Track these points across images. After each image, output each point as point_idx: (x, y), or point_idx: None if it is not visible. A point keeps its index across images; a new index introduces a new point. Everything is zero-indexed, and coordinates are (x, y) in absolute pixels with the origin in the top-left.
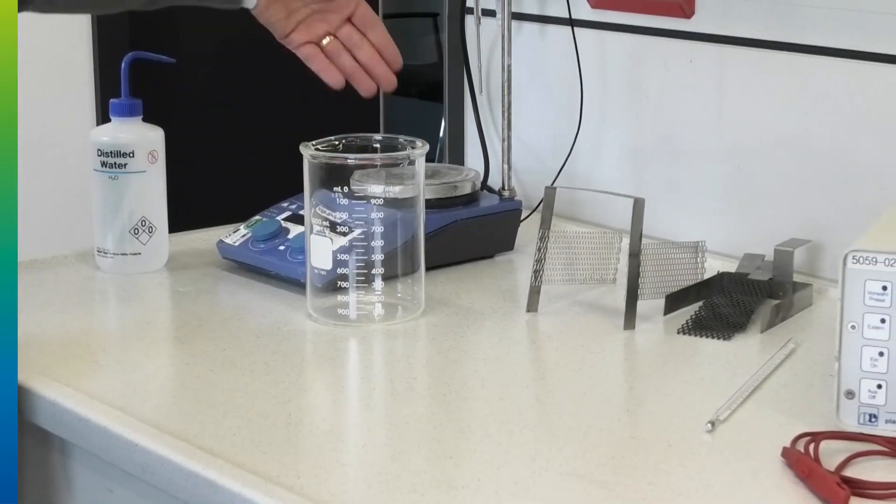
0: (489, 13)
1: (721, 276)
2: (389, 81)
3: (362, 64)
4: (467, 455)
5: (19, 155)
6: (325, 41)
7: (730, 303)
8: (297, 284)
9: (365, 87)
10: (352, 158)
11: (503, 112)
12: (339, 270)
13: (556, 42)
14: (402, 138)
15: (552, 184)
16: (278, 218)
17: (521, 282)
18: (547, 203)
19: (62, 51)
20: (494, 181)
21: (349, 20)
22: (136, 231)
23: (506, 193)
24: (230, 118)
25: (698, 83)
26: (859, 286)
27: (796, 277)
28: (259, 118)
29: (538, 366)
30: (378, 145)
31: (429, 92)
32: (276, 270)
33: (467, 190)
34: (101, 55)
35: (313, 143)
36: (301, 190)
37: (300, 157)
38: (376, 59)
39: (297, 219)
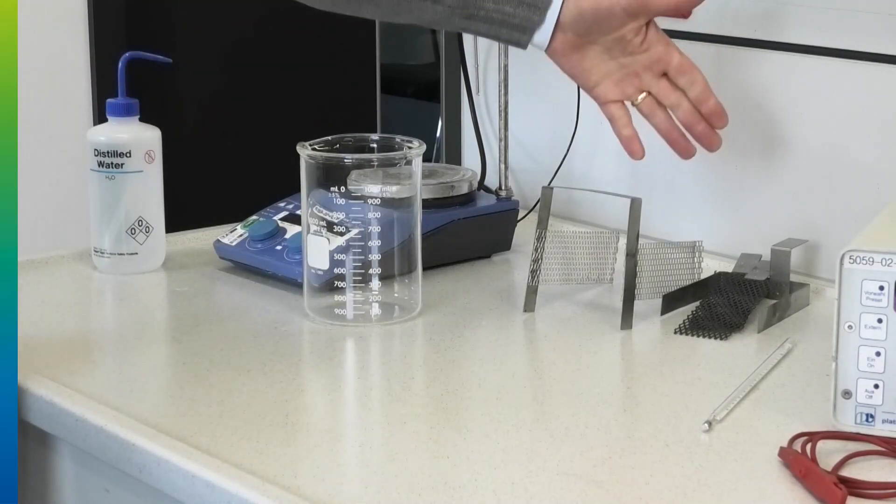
0: None
1: (718, 276)
2: (711, 142)
3: (681, 122)
4: (464, 455)
5: None
6: (639, 98)
7: (727, 303)
8: (294, 284)
9: (683, 149)
10: (349, 158)
11: (500, 112)
12: (336, 270)
13: None
14: (398, 138)
15: (549, 184)
16: (275, 218)
17: (518, 282)
18: (544, 203)
19: (58, 50)
20: (491, 181)
21: (665, 74)
22: (133, 231)
23: (503, 193)
24: (227, 118)
25: None
26: (856, 286)
27: (793, 277)
28: (256, 118)
29: (535, 366)
30: (375, 145)
31: (425, 92)
32: (273, 270)
33: (464, 190)
34: (98, 55)
35: (310, 142)
36: (298, 190)
37: (297, 156)
38: (695, 118)
39: (294, 219)
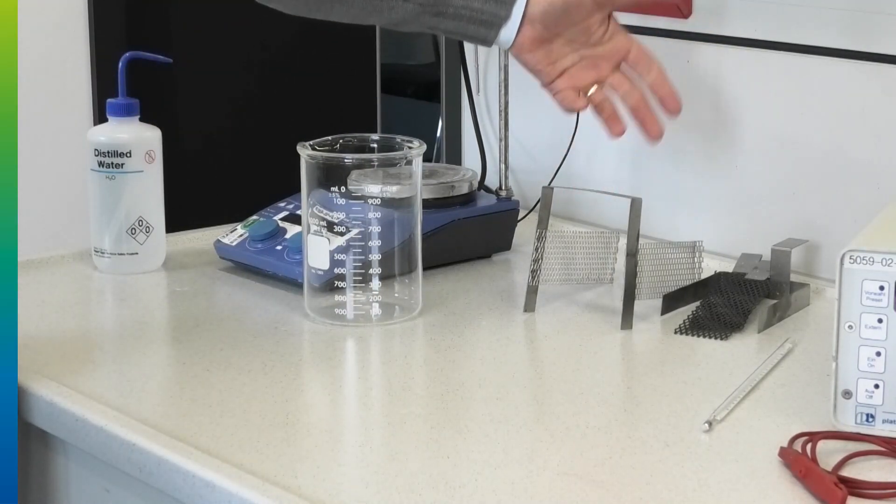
0: None
1: (718, 276)
2: (657, 130)
3: (630, 109)
4: (465, 455)
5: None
6: (591, 90)
7: (727, 303)
8: (294, 284)
9: (615, 129)
10: (349, 158)
11: (500, 112)
12: (337, 270)
13: None
14: (399, 138)
15: (549, 184)
16: (275, 218)
17: (519, 282)
18: (544, 203)
19: (58, 50)
20: (492, 181)
21: (620, 65)
22: (134, 231)
23: (503, 193)
24: (227, 118)
25: (695, 83)
26: (856, 286)
27: (793, 277)
28: (256, 118)
29: (535, 365)
30: (375, 145)
31: (426, 92)
32: (274, 270)
33: (464, 190)
34: (98, 55)
35: (310, 142)
36: (298, 190)
37: (297, 156)
38: (644, 105)
39: (295, 219)
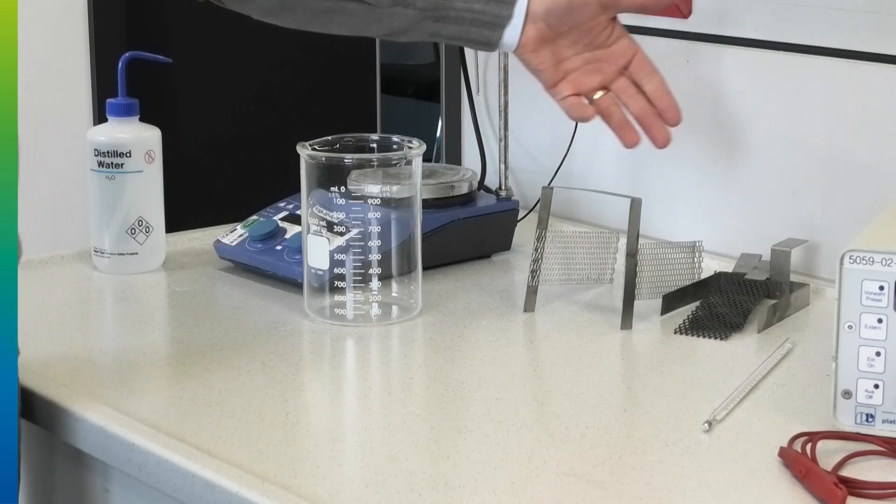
0: None
1: (718, 276)
2: (663, 138)
3: (635, 116)
4: (464, 455)
5: None
6: (596, 95)
7: (727, 303)
8: (294, 284)
9: (629, 140)
10: (349, 158)
11: (500, 112)
12: (336, 270)
13: None
14: (398, 138)
15: (549, 184)
16: (275, 218)
17: (518, 282)
18: (544, 203)
19: (58, 50)
20: (491, 181)
21: (623, 70)
22: (133, 231)
23: (503, 193)
24: (227, 118)
25: (695, 83)
26: (856, 286)
27: (793, 277)
28: (256, 118)
29: (535, 366)
30: (375, 145)
31: (426, 92)
32: (273, 270)
33: (464, 190)
34: (98, 55)
35: (310, 142)
36: (298, 190)
37: (297, 156)
38: (649, 113)
39: (294, 219)
